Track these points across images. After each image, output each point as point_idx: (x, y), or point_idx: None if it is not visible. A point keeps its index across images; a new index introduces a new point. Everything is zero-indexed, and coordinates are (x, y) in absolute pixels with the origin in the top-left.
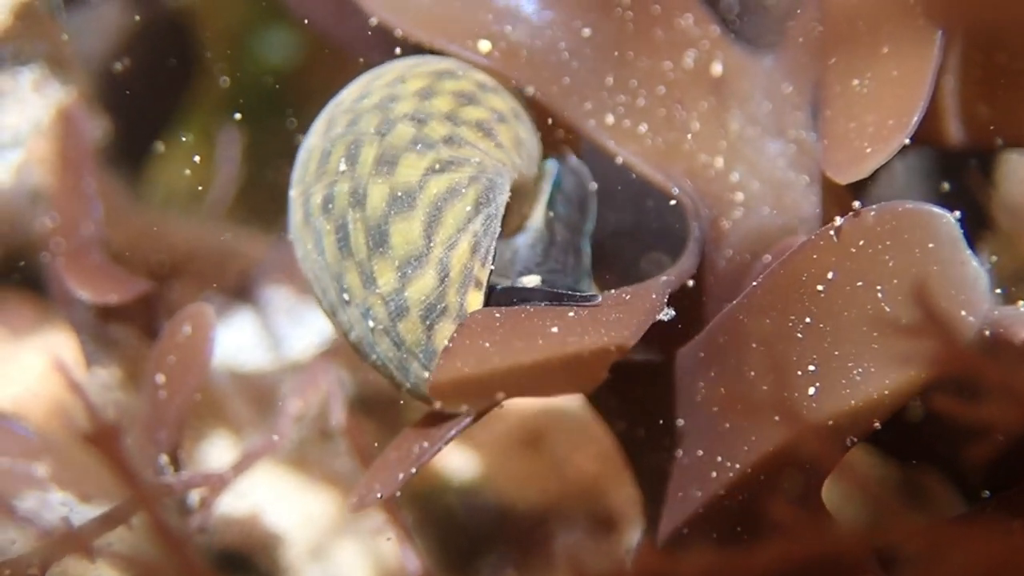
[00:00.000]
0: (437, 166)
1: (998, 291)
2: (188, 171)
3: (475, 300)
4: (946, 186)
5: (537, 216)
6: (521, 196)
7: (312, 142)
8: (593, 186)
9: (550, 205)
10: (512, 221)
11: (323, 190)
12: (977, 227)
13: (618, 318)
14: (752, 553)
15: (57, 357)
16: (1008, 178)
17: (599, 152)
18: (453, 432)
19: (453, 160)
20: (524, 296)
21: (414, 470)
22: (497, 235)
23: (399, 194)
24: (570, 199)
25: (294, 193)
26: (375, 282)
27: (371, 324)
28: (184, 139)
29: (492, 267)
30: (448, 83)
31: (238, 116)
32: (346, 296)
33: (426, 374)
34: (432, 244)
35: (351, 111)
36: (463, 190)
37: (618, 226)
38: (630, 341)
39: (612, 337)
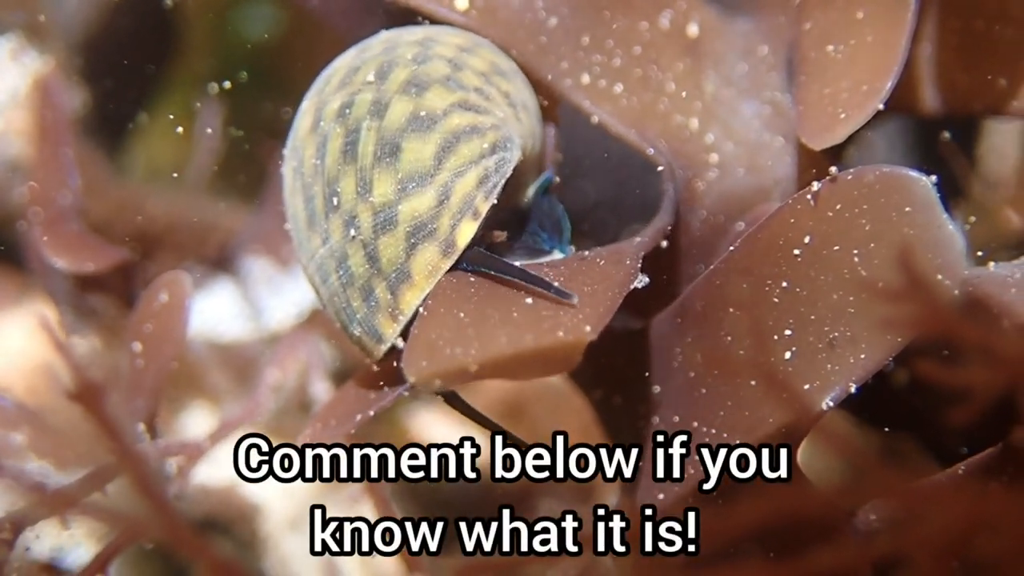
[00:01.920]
0: (464, 105)
1: (979, 253)
2: (168, 145)
3: (467, 229)
4: (947, 134)
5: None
6: (518, 183)
7: (339, 63)
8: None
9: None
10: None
11: (343, 98)
12: (953, 196)
13: (592, 291)
14: (727, 514)
15: (43, 316)
16: (989, 154)
17: (579, 124)
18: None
19: (480, 107)
20: (501, 268)
21: (372, 412)
22: (507, 177)
23: (422, 114)
24: (551, 210)
25: (306, 104)
26: (371, 191)
27: (352, 233)
28: (170, 116)
29: (495, 201)
30: (486, 51)
31: (228, 84)
32: (335, 201)
33: (390, 296)
34: (441, 167)
35: (389, 41)
36: (484, 131)
37: (599, 199)
38: (603, 322)
39: (585, 316)
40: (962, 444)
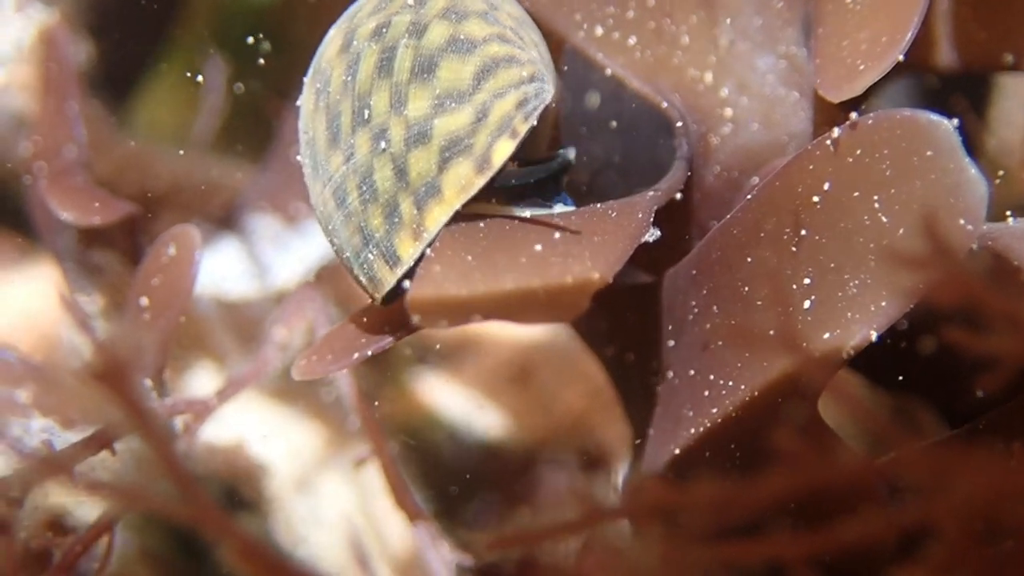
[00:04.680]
0: (502, 38)
1: (1008, 213)
2: (173, 103)
3: (504, 148)
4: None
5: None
6: (534, 134)
7: None
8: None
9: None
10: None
11: (379, 19)
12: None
13: (602, 240)
14: (757, 484)
15: (64, 294)
16: (998, 120)
17: (589, 83)
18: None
19: (516, 43)
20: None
21: (370, 352)
22: (545, 104)
23: (461, 38)
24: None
25: (334, 32)
26: (405, 104)
27: (382, 145)
28: (179, 71)
29: (534, 123)
30: (514, 7)
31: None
32: (366, 114)
33: (416, 211)
34: (479, 88)
35: None
36: (523, 63)
37: (607, 159)
38: (613, 269)
39: (595, 264)
40: (974, 404)
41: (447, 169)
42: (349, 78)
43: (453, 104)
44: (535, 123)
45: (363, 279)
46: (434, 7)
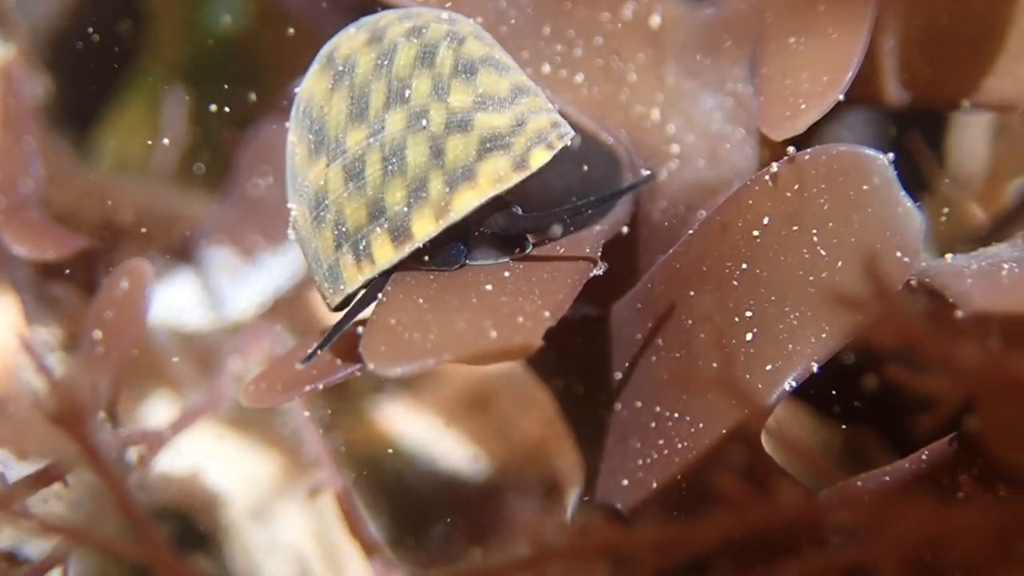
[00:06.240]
0: (521, 72)
1: (948, 256)
2: (134, 136)
3: (542, 155)
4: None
5: None
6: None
7: (384, 12)
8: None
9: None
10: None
11: (413, 23)
12: (920, 190)
13: (551, 277)
14: (700, 525)
15: (24, 337)
16: (956, 150)
17: None
18: None
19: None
20: (535, 223)
21: (321, 385)
22: (572, 135)
23: (496, 57)
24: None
25: (355, 29)
26: (448, 93)
27: (422, 123)
28: (136, 106)
29: (567, 143)
30: None
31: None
32: (406, 93)
33: (446, 190)
34: (516, 102)
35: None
36: (543, 96)
37: (566, 189)
38: (563, 306)
39: (544, 302)
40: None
41: (486, 158)
42: (384, 62)
43: (494, 107)
44: (568, 143)
45: (349, 259)
46: (465, 26)
